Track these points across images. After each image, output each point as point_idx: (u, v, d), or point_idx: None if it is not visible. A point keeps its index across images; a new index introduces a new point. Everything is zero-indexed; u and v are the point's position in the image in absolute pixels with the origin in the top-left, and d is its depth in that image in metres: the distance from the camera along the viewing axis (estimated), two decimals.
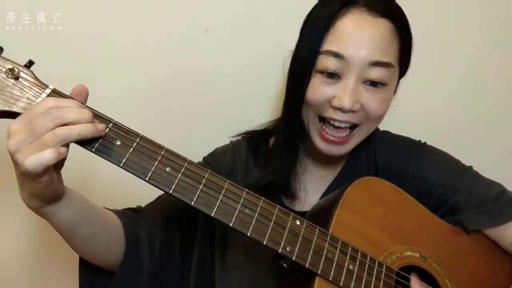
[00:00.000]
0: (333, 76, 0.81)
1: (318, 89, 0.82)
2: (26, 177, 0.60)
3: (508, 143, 1.32)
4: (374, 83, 0.81)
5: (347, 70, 0.80)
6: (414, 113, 1.24)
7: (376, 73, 0.80)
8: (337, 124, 0.84)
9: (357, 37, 0.79)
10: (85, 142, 0.63)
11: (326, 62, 0.80)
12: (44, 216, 0.67)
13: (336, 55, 0.79)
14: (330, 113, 0.83)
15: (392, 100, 0.88)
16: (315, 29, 0.82)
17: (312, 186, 0.95)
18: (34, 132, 0.59)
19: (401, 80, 0.91)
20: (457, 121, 1.30)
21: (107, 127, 0.65)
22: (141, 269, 0.83)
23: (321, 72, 0.81)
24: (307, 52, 0.82)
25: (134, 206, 0.90)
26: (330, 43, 0.80)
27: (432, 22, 1.20)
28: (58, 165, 0.64)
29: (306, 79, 0.83)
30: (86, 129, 0.61)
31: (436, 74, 1.26)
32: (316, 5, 0.86)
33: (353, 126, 0.85)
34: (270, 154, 0.95)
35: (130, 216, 0.85)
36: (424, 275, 0.82)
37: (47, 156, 0.57)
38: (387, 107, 0.86)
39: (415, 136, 0.99)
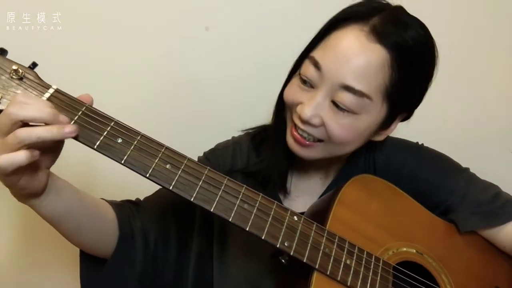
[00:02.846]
0: (306, 83, 0.80)
1: (291, 90, 0.83)
2: None
3: (509, 141, 1.33)
4: (339, 107, 0.78)
5: (320, 83, 0.78)
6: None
7: (343, 97, 0.76)
8: (299, 131, 0.82)
9: (341, 54, 0.76)
10: (86, 140, 0.64)
11: (305, 68, 0.80)
12: (30, 207, 0.68)
13: (316, 64, 0.78)
14: (295, 118, 0.82)
15: (375, 133, 0.85)
16: (318, 32, 0.82)
17: (310, 188, 0.95)
18: (0, 131, 0.59)
19: None
20: (458, 120, 1.31)
21: (72, 120, 0.64)
22: (133, 260, 0.83)
23: (300, 76, 0.81)
24: (303, 52, 0.83)
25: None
26: (317, 51, 0.80)
27: (433, 23, 1.21)
28: (48, 162, 0.65)
29: (290, 77, 0.84)
30: (46, 132, 0.60)
31: (435, 73, 1.27)
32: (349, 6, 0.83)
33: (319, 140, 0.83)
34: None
35: (127, 208, 0.85)
36: (421, 271, 0.83)
37: (19, 157, 0.58)
38: (351, 135, 0.81)
39: (415, 136, 1.00)
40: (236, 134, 1.03)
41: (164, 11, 1.12)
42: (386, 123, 0.85)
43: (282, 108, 0.88)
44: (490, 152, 1.31)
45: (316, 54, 0.79)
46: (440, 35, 1.22)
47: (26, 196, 0.65)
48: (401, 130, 1.01)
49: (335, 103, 0.78)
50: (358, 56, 0.75)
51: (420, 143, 0.99)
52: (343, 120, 0.79)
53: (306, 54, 0.82)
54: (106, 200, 0.84)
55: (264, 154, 0.93)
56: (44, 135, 0.59)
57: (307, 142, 0.82)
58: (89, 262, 0.83)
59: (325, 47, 0.79)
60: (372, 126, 0.82)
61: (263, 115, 1.06)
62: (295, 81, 0.83)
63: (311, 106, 0.78)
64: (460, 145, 1.02)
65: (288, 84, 0.84)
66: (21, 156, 0.58)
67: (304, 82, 0.81)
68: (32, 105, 0.60)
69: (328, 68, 0.77)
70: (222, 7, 1.15)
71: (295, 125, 0.83)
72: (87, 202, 0.76)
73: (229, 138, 1.03)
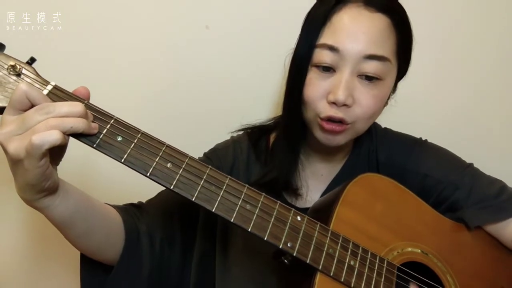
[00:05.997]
0: (328, 69, 0.81)
1: (314, 84, 0.82)
2: (18, 165, 0.60)
3: (508, 140, 1.32)
4: (369, 78, 0.81)
5: (342, 63, 0.80)
6: (414, 111, 1.24)
7: (371, 67, 0.80)
8: (329, 120, 0.83)
9: (353, 30, 0.79)
10: (85, 138, 0.63)
11: (321, 56, 0.81)
12: (39, 210, 0.67)
13: (331, 48, 0.80)
14: (327, 111, 0.82)
15: (388, 99, 0.88)
16: (312, 25, 0.83)
17: (313, 183, 0.95)
18: (24, 124, 0.59)
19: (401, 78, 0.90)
20: (457, 119, 1.30)
21: (100, 125, 0.65)
22: (141, 264, 0.82)
23: (317, 66, 0.82)
24: (304, 48, 0.83)
25: (135, 201, 0.90)
26: (326, 37, 0.81)
27: (430, 20, 1.20)
28: (56, 159, 0.64)
29: (303, 74, 0.83)
30: (78, 123, 0.61)
31: (436, 72, 1.26)
32: (315, 3, 0.86)
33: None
34: (271, 151, 0.95)
35: (131, 212, 0.85)
36: (426, 271, 0.82)
37: (54, 135, 0.58)
38: (380, 105, 0.85)
39: (415, 134, 1.00)
40: (235, 133, 1.02)
41: (164, 10, 1.12)
42: (395, 84, 0.89)
43: (295, 108, 0.86)
44: (490, 150, 1.30)
45: (327, 39, 0.80)
46: (441, 32, 1.23)
47: (43, 191, 0.63)
48: (404, 126, 1.01)
49: (363, 77, 0.81)
50: (369, 27, 0.80)
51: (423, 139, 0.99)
52: (374, 91, 0.82)
53: (311, 45, 0.82)
54: (110, 204, 0.83)
55: (274, 162, 0.92)
56: (77, 126, 0.61)
57: (343, 127, 0.83)
58: (92, 270, 0.82)
59: (333, 30, 0.80)
60: (390, 89, 0.86)
61: (263, 115, 1.05)
62: (312, 75, 0.82)
63: (342, 87, 0.80)
64: (459, 144, 1.01)
65: (304, 83, 0.83)
66: (56, 134, 0.58)
67: (325, 69, 0.81)
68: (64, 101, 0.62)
69: (347, 46, 0.79)
70: (223, 5, 1.14)
71: (321, 118, 0.83)
72: (95, 204, 0.76)
73: (227, 134, 1.02)
